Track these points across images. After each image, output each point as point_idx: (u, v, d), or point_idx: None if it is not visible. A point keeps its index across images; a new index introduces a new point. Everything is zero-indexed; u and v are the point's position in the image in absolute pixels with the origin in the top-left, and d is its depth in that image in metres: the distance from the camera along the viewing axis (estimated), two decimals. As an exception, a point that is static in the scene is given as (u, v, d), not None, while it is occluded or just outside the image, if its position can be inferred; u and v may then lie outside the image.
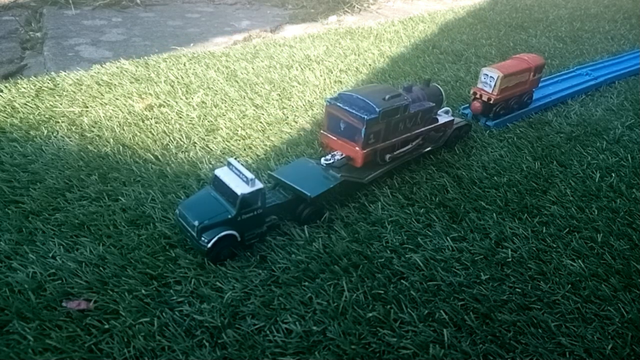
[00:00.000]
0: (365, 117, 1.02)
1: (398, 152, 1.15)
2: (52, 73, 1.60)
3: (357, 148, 1.07)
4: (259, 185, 0.89)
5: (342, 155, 1.09)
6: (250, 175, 0.87)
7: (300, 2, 2.81)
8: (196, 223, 0.86)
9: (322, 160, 1.07)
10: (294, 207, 0.99)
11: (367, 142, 1.06)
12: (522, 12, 2.79)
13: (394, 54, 1.99)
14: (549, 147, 1.36)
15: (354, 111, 1.04)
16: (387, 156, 1.13)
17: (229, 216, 0.88)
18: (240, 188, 0.87)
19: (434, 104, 1.19)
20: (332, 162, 1.07)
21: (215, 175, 0.91)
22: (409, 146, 1.17)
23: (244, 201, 0.88)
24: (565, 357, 0.78)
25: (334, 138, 1.11)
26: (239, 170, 0.89)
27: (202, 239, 0.87)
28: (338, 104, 1.07)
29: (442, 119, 1.27)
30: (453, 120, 1.29)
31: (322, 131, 1.14)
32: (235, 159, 0.91)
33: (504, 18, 2.64)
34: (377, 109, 1.02)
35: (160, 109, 1.42)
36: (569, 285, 0.91)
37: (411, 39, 2.21)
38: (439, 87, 1.27)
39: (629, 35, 2.49)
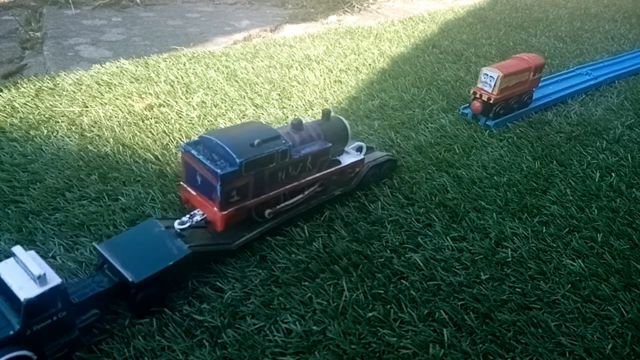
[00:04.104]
0: (219, 171, 0.81)
1: (283, 205, 0.96)
2: (52, 73, 1.60)
3: (214, 209, 0.86)
4: (54, 281, 0.65)
5: (202, 215, 0.89)
6: (39, 269, 0.64)
7: (300, 2, 2.81)
8: None
9: (177, 224, 0.87)
10: (126, 291, 0.76)
11: (228, 200, 0.85)
12: (522, 12, 2.79)
13: (394, 54, 1.99)
14: (549, 147, 1.36)
15: (208, 163, 0.83)
16: (268, 212, 0.93)
17: (11, 332, 0.63)
18: (25, 290, 0.63)
19: (329, 145, 0.98)
20: (189, 225, 0.87)
21: None
22: (300, 196, 0.98)
23: (32, 307, 0.63)
24: (565, 357, 0.78)
25: (193, 193, 0.90)
26: (24, 263, 0.65)
27: None
28: (192, 152, 0.86)
29: (349, 158, 1.07)
30: (363, 159, 1.08)
31: (181, 182, 0.93)
32: (26, 247, 0.70)
33: (504, 18, 2.64)
34: (238, 160, 0.82)
35: (160, 108, 1.42)
36: (569, 285, 0.91)
37: (411, 39, 2.21)
38: (342, 120, 1.05)
39: (629, 35, 2.49)
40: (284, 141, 0.89)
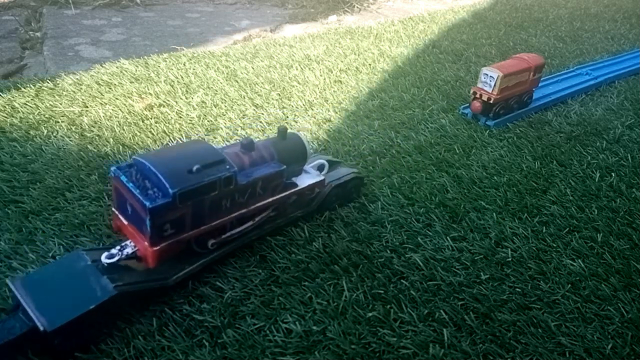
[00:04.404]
0: (148, 204, 0.71)
1: (230, 234, 0.87)
2: (52, 73, 1.60)
3: (145, 243, 0.76)
4: None
5: (134, 247, 0.79)
6: None
7: (300, 2, 2.81)
8: None
9: (104, 257, 0.77)
10: (42, 337, 0.67)
11: (160, 235, 0.76)
12: (522, 12, 2.79)
13: (394, 54, 1.99)
14: (549, 147, 1.36)
15: (137, 193, 0.73)
16: (211, 243, 0.85)
17: None
18: None
19: (283, 167, 0.89)
20: (118, 260, 0.78)
21: None
22: (249, 224, 0.89)
23: None
24: (565, 357, 0.78)
25: (124, 222, 0.80)
26: None
27: None
28: (122, 178, 0.76)
29: (307, 179, 0.98)
30: (323, 180, 1.00)
31: (113, 208, 0.83)
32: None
33: (504, 18, 2.64)
34: (172, 190, 0.73)
35: (160, 108, 1.42)
36: (569, 285, 0.91)
37: (411, 39, 2.21)
38: (301, 137, 0.97)
39: (629, 35, 2.49)
40: (228, 166, 0.80)
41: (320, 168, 1.04)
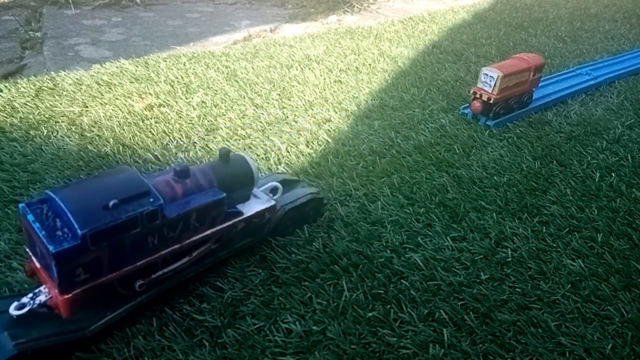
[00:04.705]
0: (52, 248, 0.62)
1: (161, 273, 0.78)
2: (52, 73, 1.60)
3: (55, 290, 0.67)
4: None
5: (48, 294, 0.70)
6: None
7: (300, 2, 2.81)
8: None
9: (13, 308, 0.68)
10: None
11: (72, 281, 0.67)
12: (522, 12, 2.79)
13: (394, 54, 1.99)
14: (549, 147, 1.36)
15: (42, 235, 0.64)
16: (139, 284, 0.75)
17: None
18: None
19: (223, 196, 0.80)
20: (29, 310, 0.68)
21: None
22: (185, 260, 0.80)
23: None
24: (565, 357, 0.78)
25: (37, 265, 0.70)
26: None
27: None
28: (28, 217, 0.66)
29: (255, 205, 0.89)
30: (274, 206, 0.91)
31: (26, 249, 0.74)
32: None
33: (504, 17, 2.64)
34: (81, 232, 0.63)
35: (160, 108, 1.42)
36: (569, 285, 0.91)
37: (411, 39, 2.21)
38: (247, 159, 0.87)
39: (629, 35, 2.49)
40: (152, 199, 0.70)
41: (273, 191, 0.95)
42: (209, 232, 0.81)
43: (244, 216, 0.86)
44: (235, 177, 0.85)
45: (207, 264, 0.85)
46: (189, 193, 0.77)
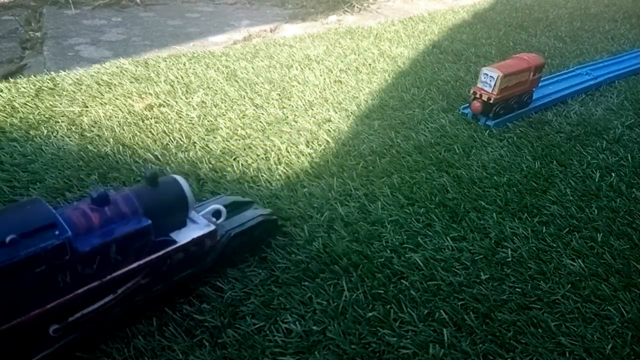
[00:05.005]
0: None
1: (81, 315, 0.69)
2: (52, 73, 1.60)
3: None
4: None
5: None
6: None
7: (300, 2, 2.81)
8: None
9: None
10: None
11: None
12: (522, 12, 2.79)
13: (394, 54, 1.99)
14: (549, 147, 1.36)
15: None
16: (53, 328, 0.67)
17: None
18: None
19: (148, 223, 0.71)
20: None
21: None
22: (109, 298, 0.71)
23: None
24: (565, 357, 0.78)
25: None
26: None
27: None
28: None
29: (193, 232, 0.80)
30: (215, 231, 0.81)
31: None
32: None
33: (504, 18, 2.64)
34: None
35: (160, 108, 1.42)
36: (569, 285, 0.91)
37: (411, 39, 2.21)
38: (179, 181, 0.79)
39: (629, 35, 2.49)
40: (58, 231, 0.62)
41: (217, 214, 0.86)
42: (134, 265, 0.72)
43: (177, 245, 0.77)
44: (166, 202, 0.76)
45: (139, 302, 0.76)
46: (109, 222, 0.69)
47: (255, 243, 0.91)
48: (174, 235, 0.79)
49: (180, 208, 0.79)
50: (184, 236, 0.79)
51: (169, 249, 0.76)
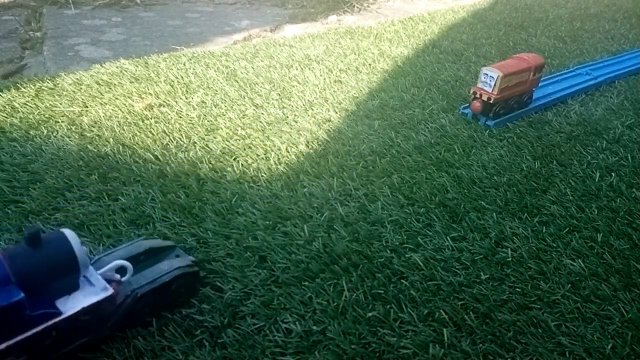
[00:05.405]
0: None
1: None
2: (52, 73, 1.60)
3: None
4: None
5: None
6: None
7: (300, 2, 2.81)
8: None
9: None
10: None
11: None
12: (522, 12, 2.79)
13: (394, 54, 1.99)
14: (549, 147, 1.36)
15: None
16: None
17: None
18: None
19: (19, 298, 0.60)
20: None
21: None
22: None
23: None
24: (565, 357, 0.78)
25: None
26: None
27: None
28: None
29: (85, 298, 0.68)
30: (112, 295, 0.69)
31: None
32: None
33: (504, 18, 2.64)
34: None
35: (160, 108, 1.42)
36: (569, 285, 0.91)
37: (411, 39, 2.21)
38: (67, 237, 0.66)
39: (629, 35, 2.49)
40: None
41: (121, 271, 0.74)
42: (3, 346, 0.60)
43: (60, 317, 0.64)
44: (49, 265, 0.64)
45: None
46: None
47: (171, 300, 0.78)
48: (62, 301, 0.67)
49: (68, 270, 0.66)
50: (74, 303, 0.67)
51: (49, 323, 0.64)
